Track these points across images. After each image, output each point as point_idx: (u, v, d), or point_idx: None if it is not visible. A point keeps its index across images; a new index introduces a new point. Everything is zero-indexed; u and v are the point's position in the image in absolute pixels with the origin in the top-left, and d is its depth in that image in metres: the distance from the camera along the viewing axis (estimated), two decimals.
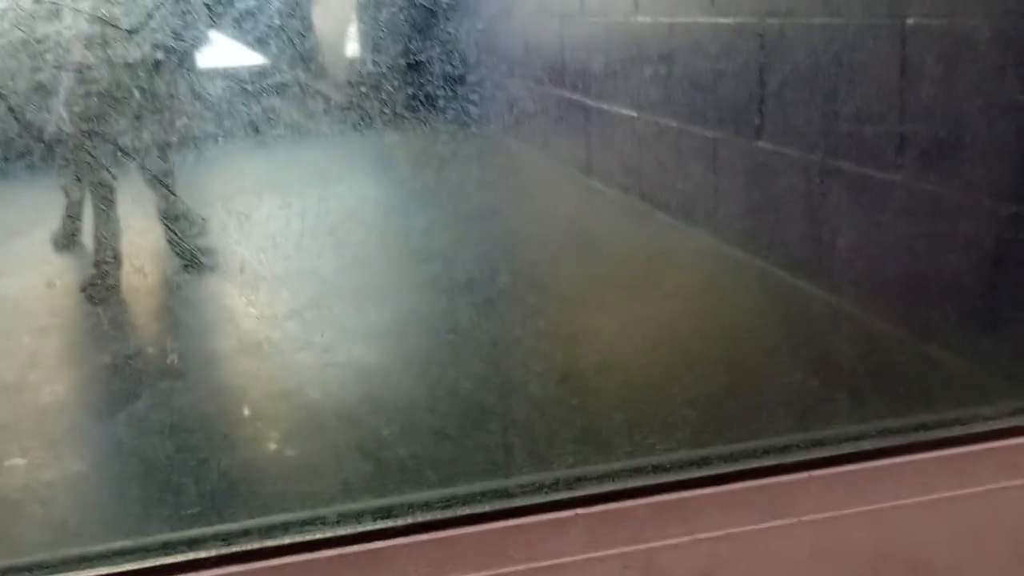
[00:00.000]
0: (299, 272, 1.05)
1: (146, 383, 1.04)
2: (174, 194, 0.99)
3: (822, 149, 1.22)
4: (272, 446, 1.09)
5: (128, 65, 0.94)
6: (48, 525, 1.03)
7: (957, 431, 1.14)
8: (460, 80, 1.03)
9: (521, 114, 1.14)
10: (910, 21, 1.16)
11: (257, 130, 0.98)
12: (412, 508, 1.04)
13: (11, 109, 0.91)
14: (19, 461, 1.02)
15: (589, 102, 1.31)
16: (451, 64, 1.02)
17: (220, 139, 0.98)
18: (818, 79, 1.20)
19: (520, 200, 1.17)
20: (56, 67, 0.90)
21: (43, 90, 0.91)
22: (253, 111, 0.97)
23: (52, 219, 0.97)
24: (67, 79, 0.91)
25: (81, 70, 0.92)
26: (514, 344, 1.12)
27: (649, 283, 1.20)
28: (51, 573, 1.00)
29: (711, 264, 1.21)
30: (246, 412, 1.10)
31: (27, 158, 0.91)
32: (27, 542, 1.03)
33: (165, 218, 0.98)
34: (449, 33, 1.01)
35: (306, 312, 1.07)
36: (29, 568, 1.01)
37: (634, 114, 1.26)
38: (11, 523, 1.03)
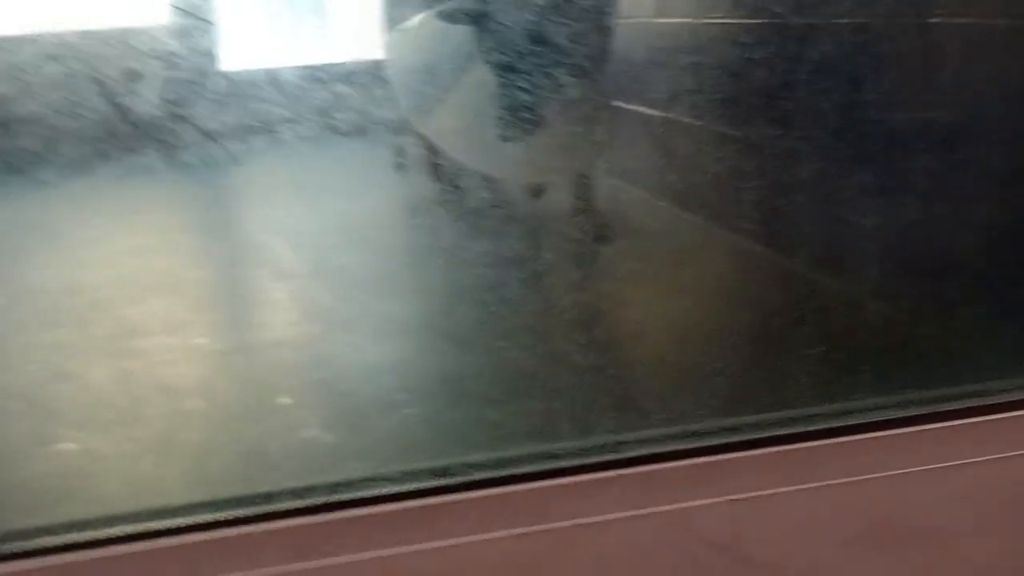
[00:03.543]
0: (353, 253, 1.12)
1: None
2: None
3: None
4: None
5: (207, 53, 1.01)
6: None
7: (976, 402, 1.20)
8: None
9: None
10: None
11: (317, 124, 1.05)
12: (466, 468, 1.11)
13: (104, 94, 0.98)
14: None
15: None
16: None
17: (266, 134, 1.05)
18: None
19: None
20: (146, 54, 0.98)
21: (135, 76, 0.98)
22: (299, 109, 1.04)
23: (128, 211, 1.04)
24: (156, 66, 0.98)
25: (168, 58, 0.99)
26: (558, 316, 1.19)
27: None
28: (120, 524, 1.07)
29: (730, 250, 1.27)
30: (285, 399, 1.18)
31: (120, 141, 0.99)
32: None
33: None
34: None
35: (365, 283, 1.14)
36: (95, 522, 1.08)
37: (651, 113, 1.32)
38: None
